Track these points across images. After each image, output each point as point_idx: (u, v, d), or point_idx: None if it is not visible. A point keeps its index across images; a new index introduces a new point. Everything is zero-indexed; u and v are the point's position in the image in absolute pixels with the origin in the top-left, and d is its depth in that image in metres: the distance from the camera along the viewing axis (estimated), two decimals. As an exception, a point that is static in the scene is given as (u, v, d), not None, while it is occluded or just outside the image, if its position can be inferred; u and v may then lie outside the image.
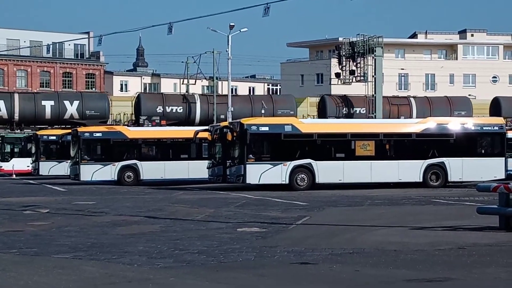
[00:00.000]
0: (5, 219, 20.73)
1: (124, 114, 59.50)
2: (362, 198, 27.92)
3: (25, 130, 55.60)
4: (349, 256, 13.19)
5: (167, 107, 56.35)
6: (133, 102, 58.03)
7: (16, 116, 52.68)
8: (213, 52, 64.69)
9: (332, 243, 14.84)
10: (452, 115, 54.88)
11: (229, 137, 33.27)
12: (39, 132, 50.88)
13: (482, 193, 22.71)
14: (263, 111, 55.95)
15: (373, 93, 56.20)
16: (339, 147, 34.19)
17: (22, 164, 52.36)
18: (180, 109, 56.89)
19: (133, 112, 57.66)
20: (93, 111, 55.16)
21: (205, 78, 73.37)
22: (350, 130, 34.54)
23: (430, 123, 35.47)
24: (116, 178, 39.32)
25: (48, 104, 55.22)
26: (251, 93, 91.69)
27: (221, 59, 62.68)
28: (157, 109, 55.61)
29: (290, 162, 33.28)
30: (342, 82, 59.68)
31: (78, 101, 55.88)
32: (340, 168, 33.70)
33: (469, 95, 65.87)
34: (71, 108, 55.80)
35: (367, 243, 14.75)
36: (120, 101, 64.17)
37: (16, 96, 55.39)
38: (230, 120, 46.88)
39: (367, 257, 13.05)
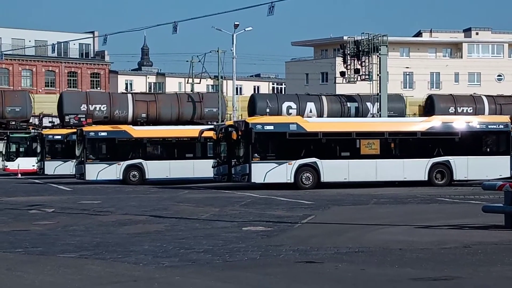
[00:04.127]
0: (10, 218, 20.78)
1: None
2: (367, 196, 27.90)
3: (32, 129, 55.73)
4: (355, 255, 13.19)
5: None
6: None
7: (325, 117, 55.03)
8: (217, 51, 64.77)
9: (337, 242, 14.83)
10: None
11: (234, 136, 33.28)
12: (44, 132, 50.96)
13: (487, 191, 22.75)
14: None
15: (378, 92, 56.17)
16: (344, 146, 34.16)
17: (28, 163, 52.43)
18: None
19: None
20: (392, 112, 56.05)
21: (210, 77, 73.48)
22: (355, 129, 34.51)
23: (435, 122, 35.42)
24: (121, 177, 39.34)
25: (352, 106, 58.61)
26: (256, 92, 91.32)
27: (226, 58, 62.91)
28: None
29: (295, 161, 33.26)
30: (347, 81, 59.72)
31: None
32: (345, 167, 33.67)
33: (474, 93, 65.70)
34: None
35: (372, 242, 14.75)
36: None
37: (324, 98, 58.70)
38: (234, 119, 46.88)
39: (373, 255, 13.04)
